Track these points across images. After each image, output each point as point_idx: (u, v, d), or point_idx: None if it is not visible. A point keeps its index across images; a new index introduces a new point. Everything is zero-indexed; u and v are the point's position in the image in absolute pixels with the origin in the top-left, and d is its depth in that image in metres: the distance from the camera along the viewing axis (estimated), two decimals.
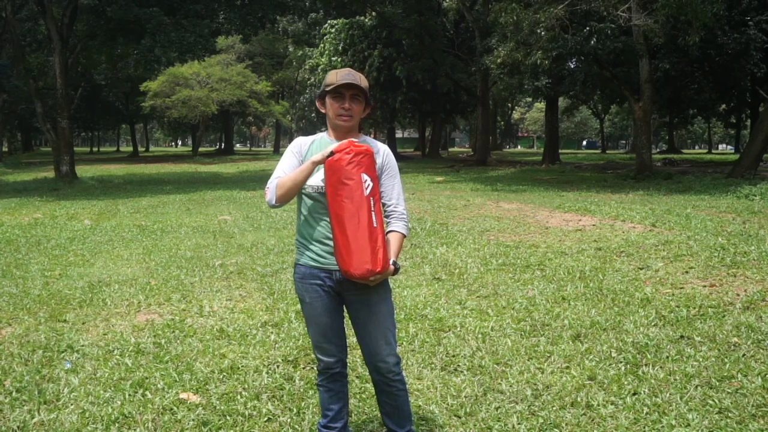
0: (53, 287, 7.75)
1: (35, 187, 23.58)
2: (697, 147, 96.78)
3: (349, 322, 3.55)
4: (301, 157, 3.45)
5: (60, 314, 6.59)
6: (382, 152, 3.49)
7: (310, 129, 72.70)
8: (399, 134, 74.85)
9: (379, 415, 3.73)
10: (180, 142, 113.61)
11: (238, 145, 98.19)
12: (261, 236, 11.15)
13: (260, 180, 26.96)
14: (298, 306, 6.54)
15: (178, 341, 5.68)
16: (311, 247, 3.40)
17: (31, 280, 8.17)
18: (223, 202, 17.65)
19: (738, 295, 6.43)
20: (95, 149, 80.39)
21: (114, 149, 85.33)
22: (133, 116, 61.83)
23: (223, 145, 68.37)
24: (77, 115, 45.93)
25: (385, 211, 3.42)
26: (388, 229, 3.40)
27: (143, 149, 74.65)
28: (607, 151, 69.64)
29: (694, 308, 6.02)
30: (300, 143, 3.51)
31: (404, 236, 3.45)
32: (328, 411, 3.62)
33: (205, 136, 75.17)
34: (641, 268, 7.69)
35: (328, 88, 3.35)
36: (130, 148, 70.77)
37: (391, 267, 3.28)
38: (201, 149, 60.10)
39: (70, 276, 8.40)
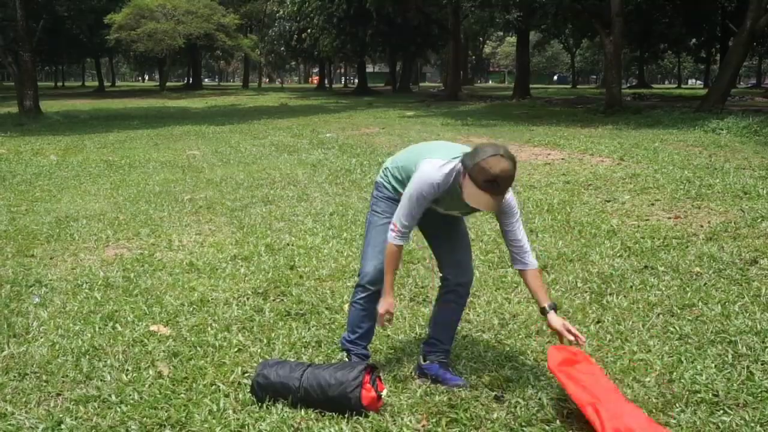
0: (20, 222, 7.67)
1: None
2: (666, 82, 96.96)
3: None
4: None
5: (27, 249, 6.54)
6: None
7: (279, 62, 71.51)
8: (370, 68, 74.06)
9: None
10: (147, 77, 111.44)
11: (206, 79, 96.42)
12: (230, 171, 11.09)
13: (229, 115, 26.68)
14: (268, 240, 6.57)
15: (148, 275, 5.67)
16: None
17: None
18: (192, 137, 17.46)
19: (701, 226, 6.55)
20: (60, 84, 78.42)
21: (79, 84, 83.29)
22: (98, 50, 60.21)
23: (190, 79, 67.03)
24: (40, 48, 44.56)
25: (516, 248, 3.51)
26: (529, 267, 3.52)
27: (109, 84, 72.81)
28: (578, 86, 69.52)
29: (659, 239, 6.12)
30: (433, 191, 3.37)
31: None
32: (358, 328, 3.74)
33: (172, 71, 73.63)
34: (608, 201, 7.79)
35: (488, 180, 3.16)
36: (96, 83, 69.13)
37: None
38: (168, 84, 58.92)
39: (37, 211, 8.31)
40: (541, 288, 3.53)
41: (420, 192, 3.33)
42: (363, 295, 3.66)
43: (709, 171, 9.26)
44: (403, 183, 3.47)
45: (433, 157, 3.37)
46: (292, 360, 3.78)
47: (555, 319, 3.47)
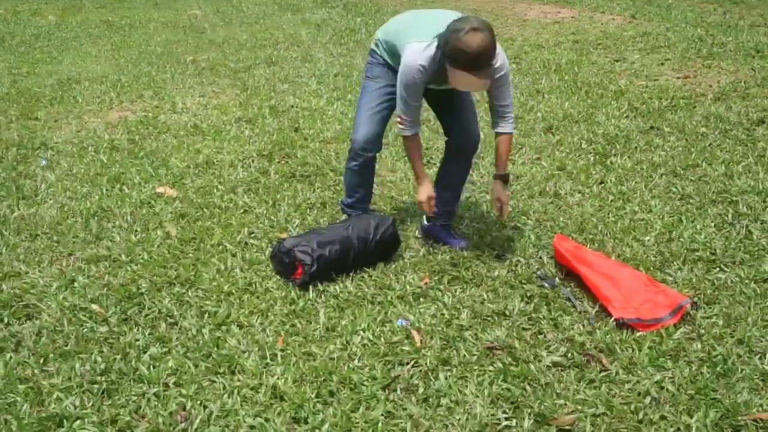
0: (22, 85, 7.60)
1: None
2: None
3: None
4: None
5: (31, 112, 6.52)
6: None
7: None
8: None
9: None
10: None
11: None
12: (232, 31, 10.85)
13: None
14: (272, 102, 6.53)
15: (153, 137, 5.68)
16: None
17: None
18: None
19: (710, 86, 6.45)
20: None
21: None
22: None
23: None
24: None
25: (500, 111, 3.43)
26: (506, 132, 3.47)
27: None
28: None
29: (666, 100, 6.05)
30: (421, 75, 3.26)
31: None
32: (355, 193, 3.79)
33: None
34: (617, 61, 7.64)
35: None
36: None
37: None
38: None
39: (39, 74, 8.22)
40: (507, 155, 3.53)
41: (410, 80, 3.26)
42: (356, 161, 3.65)
43: (723, 29, 9.01)
44: (395, 57, 3.39)
45: (417, 38, 3.25)
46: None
47: (499, 189, 3.52)
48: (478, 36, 2.94)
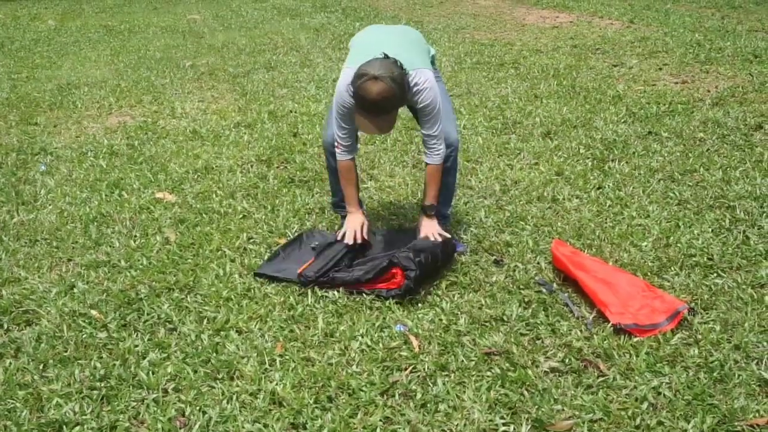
0: (21, 90, 7.62)
1: None
2: None
3: None
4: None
5: (31, 117, 6.54)
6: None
7: None
8: None
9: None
10: None
11: None
12: (231, 36, 10.87)
13: None
14: (271, 106, 6.54)
15: (152, 143, 5.69)
16: None
17: None
18: (192, 0, 17.00)
19: (708, 91, 6.47)
20: None
21: None
22: None
23: None
24: None
25: (424, 140, 3.47)
26: (429, 162, 3.50)
27: None
28: None
29: (664, 105, 6.07)
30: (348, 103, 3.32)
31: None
32: (338, 191, 3.86)
33: None
34: (615, 66, 7.66)
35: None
36: None
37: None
38: None
39: (38, 79, 8.24)
40: (434, 186, 3.54)
41: (338, 104, 3.35)
42: (328, 159, 3.76)
43: (721, 34, 9.03)
44: None
45: (352, 63, 3.30)
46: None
47: (425, 225, 3.57)
48: (378, 85, 3.03)
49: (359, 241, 3.58)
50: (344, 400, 2.62)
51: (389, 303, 3.23)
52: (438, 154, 3.46)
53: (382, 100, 3.05)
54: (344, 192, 3.65)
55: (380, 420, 2.51)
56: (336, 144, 3.49)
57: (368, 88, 3.03)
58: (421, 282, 3.33)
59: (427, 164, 3.52)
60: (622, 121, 5.73)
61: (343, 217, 3.85)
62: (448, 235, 3.58)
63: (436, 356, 2.86)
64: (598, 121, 5.73)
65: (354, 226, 3.59)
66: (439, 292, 3.35)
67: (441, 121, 3.41)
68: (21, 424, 2.53)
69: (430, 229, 3.57)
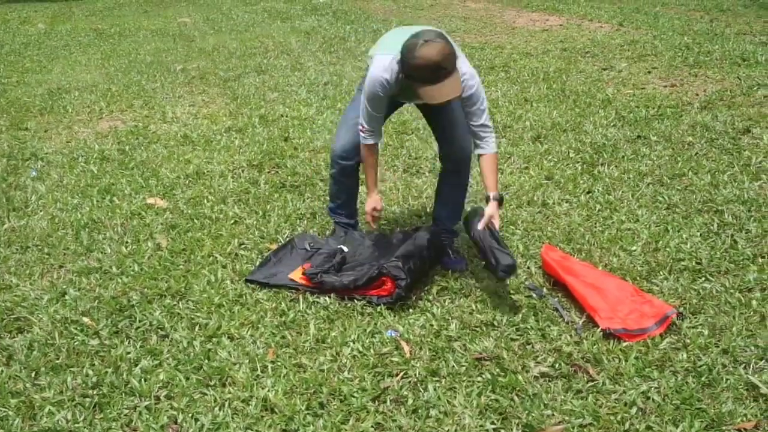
0: (11, 95, 7.61)
1: None
2: None
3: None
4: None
5: (21, 122, 6.54)
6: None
7: None
8: None
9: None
10: None
11: None
12: (222, 39, 10.88)
13: None
14: (262, 111, 6.55)
15: (143, 147, 5.70)
16: None
17: None
18: (182, 3, 16.97)
19: (697, 95, 6.51)
20: None
21: None
22: None
23: None
24: None
25: (476, 132, 3.39)
26: (486, 152, 3.42)
27: None
28: None
29: (653, 108, 6.10)
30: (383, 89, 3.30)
31: None
32: (337, 198, 3.86)
33: None
34: (605, 69, 7.70)
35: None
36: None
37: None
38: None
39: (28, 83, 8.23)
40: (493, 176, 3.41)
41: (373, 92, 3.32)
42: (334, 169, 3.73)
43: (709, 37, 9.09)
44: None
45: (384, 51, 3.30)
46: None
47: (492, 208, 3.37)
48: (434, 47, 2.98)
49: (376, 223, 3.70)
50: (336, 406, 2.63)
51: (380, 309, 3.25)
52: (492, 143, 3.38)
53: (444, 58, 2.98)
54: (366, 174, 3.62)
55: (372, 426, 2.52)
56: (361, 127, 3.45)
57: (427, 53, 2.96)
58: (412, 287, 3.35)
59: (480, 156, 3.41)
60: (612, 124, 5.76)
61: (337, 223, 3.88)
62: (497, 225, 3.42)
63: (427, 362, 2.88)
64: (587, 125, 5.76)
65: (378, 207, 3.65)
66: (430, 298, 3.37)
67: (487, 109, 3.36)
68: None
69: (490, 215, 3.36)
